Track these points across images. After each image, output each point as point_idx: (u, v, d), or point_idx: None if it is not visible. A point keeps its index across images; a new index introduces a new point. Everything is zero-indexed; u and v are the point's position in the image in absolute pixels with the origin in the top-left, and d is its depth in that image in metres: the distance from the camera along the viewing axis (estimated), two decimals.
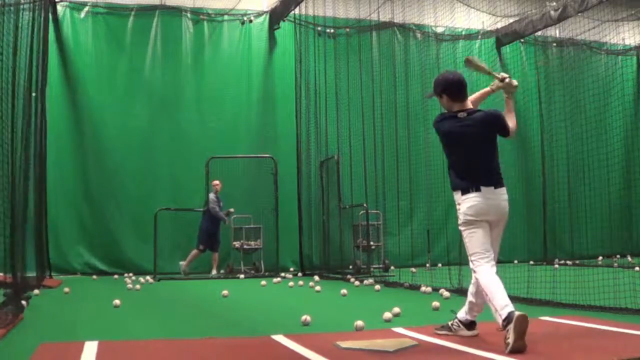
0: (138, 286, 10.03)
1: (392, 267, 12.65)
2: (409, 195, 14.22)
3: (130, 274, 12.56)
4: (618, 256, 14.99)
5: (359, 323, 5.25)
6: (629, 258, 14.93)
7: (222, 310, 7.33)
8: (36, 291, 8.78)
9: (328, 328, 5.42)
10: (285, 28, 14.64)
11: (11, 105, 7.17)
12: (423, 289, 8.62)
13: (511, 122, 4.72)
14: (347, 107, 13.98)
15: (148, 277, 11.70)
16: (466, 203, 4.52)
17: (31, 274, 10.21)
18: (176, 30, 14.22)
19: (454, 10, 14.33)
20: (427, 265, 13.65)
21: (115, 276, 12.70)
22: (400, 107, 14.54)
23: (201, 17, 14.34)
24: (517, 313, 4.05)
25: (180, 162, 13.71)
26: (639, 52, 17.19)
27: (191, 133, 13.91)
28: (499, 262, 4.77)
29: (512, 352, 3.97)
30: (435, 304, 6.62)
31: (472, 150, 4.58)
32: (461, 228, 4.60)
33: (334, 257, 13.13)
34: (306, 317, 5.64)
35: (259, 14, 14.73)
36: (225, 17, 14.51)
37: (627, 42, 16.29)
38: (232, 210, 13.13)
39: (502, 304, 4.18)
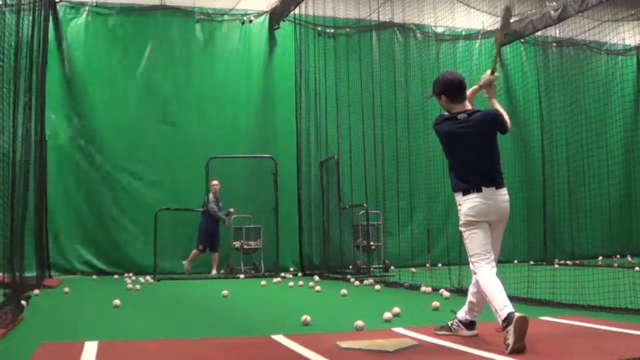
0: (138, 286, 10.02)
1: (392, 267, 12.65)
2: (409, 195, 14.22)
3: (130, 274, 12.56)
4: (618, 256, 14.98)
5: (359, 323, 5.25)
6: (629, 258, 14.93)
7: (222, 310, 7.32)
8: (36, 291, 8.78)
9: (328, 328, 5.42)
10: (285, 28, 14.64)
11: (13, 105, 7.17)
12: (423, 289, 8.62)
13: (505, 116, 4.71)
14: (347, 107, 13.99)
15: (148, 277, 11.70)
16: (467, 204, 4.52)
17: (31, 274, 10.22)
18: (176, 30, 14.22)
19: (454, 10, 14.32)
20: (427, 265, 13.65)
21: (115, 276, 12.70)
22: (400, 107, 14.54)
23: (201, 17, 14.34)
24: (517, 314, 4.05)
25: (180, 162, 13.71)
26: (639, 52, 17.20)
27: (191, 133, 13.90)
28: (499, 262, 4.77)
29: (512, 352, 3.98)
30: (435, 304, 6.62)
31: (473, 151, 4.57)
32: (462, 229, 4.60)
33: (334, 257, 13.13)
34: (306, 317, 5.64)
35: (259, 14, 14.73)
36: (225, 17, 14.51)
37: (627, 42, 16.29)
38: (232, 210, 13.13)
39: (501, 305, 4.18)
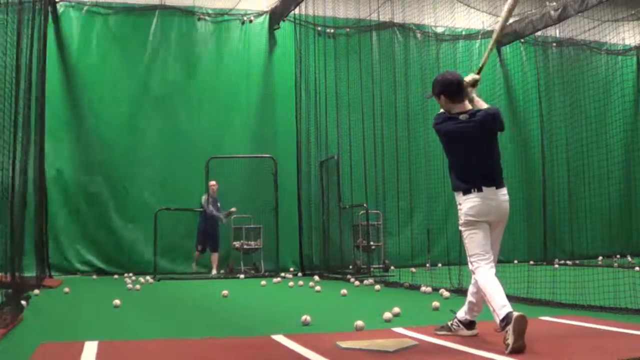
0: (138, 286, 10.02)
1: (392, 267, 12.65)
2: (409, 195, 14.22)
3: (130, 274, 12.55)
4: (618, 256, 14.97)
5: (359, 323, 5.25)
6: (629, 258, 14.93)
7: (222, 310, 7.32)
8: (36, 291, 8.78)
9: (328, 328, 5.42)
10: (285, 28, 14.64)
11: (14, 105, 7.17)
12: (423, 289, 8.62)
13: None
14: (347, 107, 13.98)
15: (148, 277, 11.70)
16: (467, 203, 4.52)
17: (31, 274, 10.22)
18: (176, 30, 14.21)
19: (454, 10, 14.32)
20: (427, 265, 13.65)
21: (115, 276, 12.70)
22: (400, 107, 14.54)
23: (201, 17, 14.33)
24: (515, 313, 4.05)
25: (180, 162, 13.70)
26: (639, 52, 17.20)
27: (191, 133, 13.90)
28: (499, 262, 4.77)
29: (513, 352, 3.98)
30: (435, 304, 6.62)
31: (474, 151, 4.57)
32: (462, 228, 4.60)
33: (334, 257, 13.13)
34: (306, 317, 5.64)
35: (259, 14, 14.72)
36: (225, 17, 14.51)
37: (627, 42, 16.29)
38: (233, 209, 13.13)
39: (500, 305, 4.18)
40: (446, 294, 7.73)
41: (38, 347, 4.54)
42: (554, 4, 14.34)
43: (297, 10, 14.23)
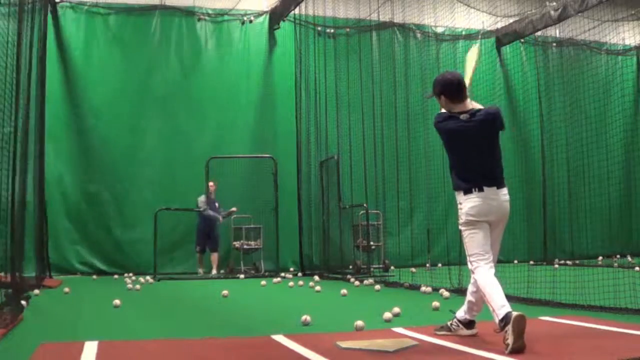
0: (138, 286, 10.02)
1: (392, 267, 12.65)
2: (409, 195, 14.22)
3: (130, 274, 12.56)
4: (618, 256, 14.97)
5: (359, 323, 5.25)
6: (629, 258, 14.93)
7: (222, 310, 7.32)
8: (36, 291, 8.78)
9: (328, 328, 5.42)
10: (285, 28, 14.64)
11: (15, 105, 7.17)
12: (423, 289, 8.62)
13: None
14: (347, 107, 13.99)
15: (148, 277, 11.70)
16: (468, 203, 4.51)
17: (31, 274, 10.22)
18: (176, 30, 14.21)
19: (454, 10, 14.32)
20: (427, 265, 13.64)
21: (115, 276, 12.70)
22: (400, 107, 14.54)
23: (201, 17, 14.33)
24: (514, 313, 4.04)
25: (180, 162, 13.71)
26: (639, 52, 17.19)
27: (191, 133, 13.90)
28: (499, 262, 4.76)
29: (512, 352, 3.97)
30: (435, 304, 6.62)
31: (475, 150, 4.57)
32: (462, 228, 4.59)
33: (334, 257, 13.13)
34: (306, 317, 5.64)
35: (259, 14, 14.72)
36: (225, 17, 14.51)
37: (627, 42, 16.29)
38: (234, 209, 13.12)
39: (499, 305, 4.18)
40: (446, 294, 7.72)
41: (38, 347, 4.54)
42: (554, 4, 14.34)
43: (297, 10, 14.23)
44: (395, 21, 14.93)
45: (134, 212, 13.43)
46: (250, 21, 14.61)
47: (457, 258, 8.20)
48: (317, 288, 9.43)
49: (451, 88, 4.64)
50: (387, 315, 5.76)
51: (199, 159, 13.08)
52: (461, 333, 4.76)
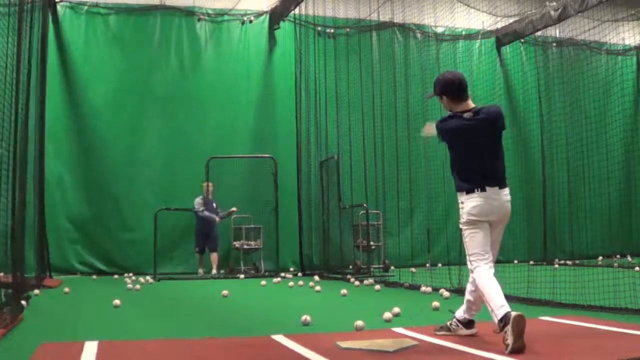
0: (138, 286, 10.02)
1: (392, 267, 12.65)
2: (409, 195, 14.22)
3: (130, 274, 12.56)
4: (618, 256, 14.97)
5: (359, 323, 5.25)
6: (629, 258, 14.93)
7: (222, 310, 7.32)
8: (36, 291, 8.78)
9: (328, 328, 5.42)
10: (285, 28, 14.64)
11: (14, 106, 7.17)
12: (423, 289, 8.62)
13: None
14: (347, 107, 13.99)
15: (148, 277, 11.70)
16: (471, 203, 4.51)
17: (31, 274, 10.21)
18: (176, 30, 14.21)
19: (454, 10, 14.32)
20: (427, 265, 13.64)
21: (115, 276, 12.70)
22: (400, 107, 14.54)
23: (201, 17, 14.33)
24: (513, 313, 4.04)
25: (180, 162, 13.71)
26: (639, 52, 17.19)
27: (191, 133, 13.90)
28: (499, 262, 4.77)
29: (512, 352, 3.97)
30: (435, 304, 6.62)
31: (477, 149, 4.56)
32: (463, 227, 4.59)
33: (334, 257, 13.13)
34: (306, 317, 5.64)
35: (259, 14, 14.72)
36: (225, 17, 14.51)
37: (627, 42, 16.29)
38: (234, 209, 13.12)
39: (498, 305, 4.18)
40: (446, 294, 7.72)
41: (38, 347, 4.54)
42: (554, 4, 14.34)
43: (297, 10, 14.23)
44: (395, 21, 14.92)
45: (134, 212, 13.43)
46: (250, 21, 14.61)
47: (457, 258, 8.21)
48: (317, 288, 9.43)
49: (452, 88, 4.63)
50: (387, 315, 5.76)
51: (199, 159, 13.08)
52: (461, 333, 4.76)
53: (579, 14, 13.97)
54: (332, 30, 14.82)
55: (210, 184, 12.95)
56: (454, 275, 8.55)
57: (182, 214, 13.09)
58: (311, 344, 4.51)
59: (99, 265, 13.28)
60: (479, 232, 4.51)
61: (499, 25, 15.79)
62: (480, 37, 15.79)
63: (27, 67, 8.50)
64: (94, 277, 12.65)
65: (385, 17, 14.61)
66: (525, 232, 15.14)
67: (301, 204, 14.13)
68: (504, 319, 4.07)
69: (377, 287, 9.42)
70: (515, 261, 13.71)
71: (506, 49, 16.17)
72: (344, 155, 13.44)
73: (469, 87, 4.79)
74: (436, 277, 9.59)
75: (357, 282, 10.31)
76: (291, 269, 13.67)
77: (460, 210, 4.59)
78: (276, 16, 14.57)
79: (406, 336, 4.81)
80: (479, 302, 4.64)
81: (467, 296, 4.73)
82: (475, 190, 4.50)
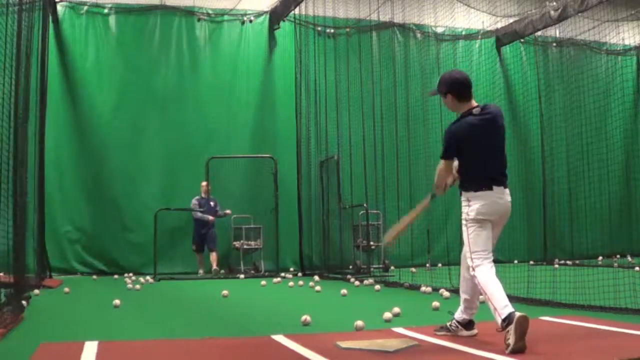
0: (138, 286, 10.03)
1: (392, 267, 12.65)
2: (409, 195, 14.20)
3: (130, 274, 12.56)
4: (618, 256, 14.97)
5: (359, 323, 5.25)
6: (629, 258, 14.93)
7: (222, 310, 7.33)
8: (36, 291, 8.78)
9: (328, 328, 5.42)
10: (285, 28, 14.64)
11: (14, 106, 7.16)
12: (423, 289, 8.62)
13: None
14: (347, 107, 13.98)
15: (148, 277, 11.70)
16: (480, 201, 4.50)
17: (31, 274, 10.21)
18: (176, 30, 14.21)
19: (454, 10, 14.32)
20: (427, 265, 13.65)
21: (115, 276, 12.70)
22: (400, 107, 14.54)
23: (201, 17, 14.33)
24: (518, 314, 4.04)
25: (180, 162, 13.71)
26: (639, 52, 17.19)
27: (191, 133, 13.90)
28: (498, 262, 4.76)
29: (513, 352, 3.97)
30: (435, 304, 6.62)
31: (488, 149, 4.57)
32: (468, 224, 4.55)
33: (334, 257, 13.13)
34: (306, 317, 5.64)
35: (259, 14, 14.72)
36: (225, 17, 14.51)
37: (627, 42, 16.27)
38: (228, 212, 13.11)
39: (502, 304, 4.17)
40: (446, 294, 7.73)
41: (38, 347, 4.54)
42: (554, 4, 14.33)
43: (297, 10, 14.22)
44: (395, 21, 14.92)
45: (134, 212, 13.43)
46: (250, 21, 14.61)
47: (457, 258, 8.13)
48: (317, 288, 9.43)
49: (460, 87, 4.64)
50: (387, 315, 5.76)
51: (199, 159, 13.08)
52: (461, 334, 4.74)
53: (579, 14, 13.96)
54: (332, 30, 14.82)
55: (205, 183, 12.95)
56: (454, 275, 8.50)
57: (182, 214, 13.10)
58: (311, 344, 4.51)
59: (99, 265, 13.28)
60: (484, 230, 4.52)
61: (499, 25, 15.79)
62: (480, 37, 15.79)
63: (27, 67, 8.49)
64: (94, 277, 12.65)
65: (385, 17, 14.60)
66: (525, 232, 15.13)
67: (301, 204, 14.13)
68: (508, 319, 4.06)
69: (377, 287, 9.42)
70: (515, 261, 13.70)
71: (506, 49, 16.17)
72: (344, 155, 13.44)
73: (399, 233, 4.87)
74: (436, 277, 9.59)
75: (357, 282, 10.31)
76: (291, 269, 13.67)
77: (466, 207, 4.57)
78: (276, 16, 14.57)
79: (406, 336, 4.81)
80: (475, 299, 4.65)
81: (463, 296, 4.73)
82: (484, 188, 4.51)
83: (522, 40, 16.07)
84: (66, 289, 9.31)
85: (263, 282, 10.76)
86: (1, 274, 7.65)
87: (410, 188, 14.09)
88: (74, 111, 13.51)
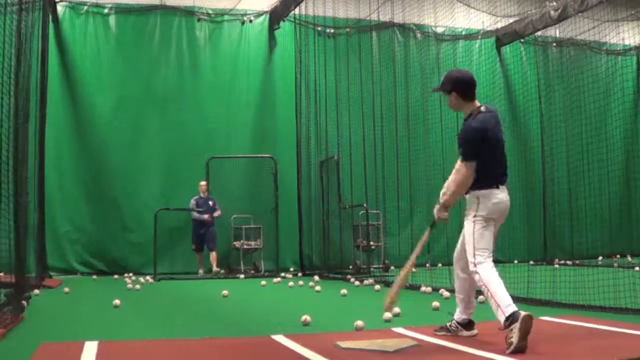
0: (138, 286, 10.03)
1: (392, 267, 12.64)
2: (409, 195, 14.22)
3: (130, 274, 12.56)
4: (618, 256, 14.98)
5: (359, 323, 5.25)
6: (629, 258, 14.93)
7: (222, 310, 7.33)
8: (36, 291, 8.78)
9: (328, 328, 5.42)
10: (285, 28, 14.64)
11: (14, 106, 7.16)
12: (423, 289, 8.62)
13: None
14: (347, 107, 13.98)
15: (148, 277, 11.70)
16: (490, 199, 4.48)
17: (31, 274, 10.20)
18: (176, 30, 14.21)
19: (454, 10, 14.32)
20: (427, 265, 13.64)
21: (115, 276, 12.69)
22: (400, 107, 14.54)
23: (201, 17, 14.33)
24: (523, 313, 4.03)
25: (181, 162, 13.71)
26: (639, 52, 17.19)
27: (191, 133, 13.90)
28: (498, 261, 4.76)
29: (514, 352, 3.96)
30: (435, 304, 6.63)
31: (496, 147, 4.59)
32: (476, 221, 4.52)
33: (334, 257, 13.13)
34: (306, 317, 5.64)
35: (259, 14, 14.72)
36: (225, 17, 14.51)
37: (627, 42, 16.27)
38: (216, 214, 13.04)
39: (505, 302, 4.16)
40: (446, 294, 7.72)
41: (38, 347, 4.54)
42: (554, 4, 14.33)
43: (297, 10, 14.23)
44: (395, 21, 14.92)
45: (134, 212, 13.43)
46: (250, 21, 14.61)
47: None
48: (317, 288, 9.44)
49: (465, 85, 4.63)
50: (387, 315, 5.76)
51: (199, 159, 13.08)
52: (461, 334, 4.74)
53: (579, 14, 13.96)
54: (332, 30, 14.82)
55: (204, 183, 12.95)
56: (454, 275, 8.54)
57: (182, 214, 13.10)
58: (311, 344, 4.51)
59: (99, 265, 13.28)
60: (489, 228, 4.52)
61: (499, 25, 15.79)
62: (480, 37, 15.79)
63: (27, 67, 8.49)
64: (94, 277, 12.65)
65: (385, 17, 14.60)
66: (525, 232, 15.14)
67: (301, 204, 14.13)
68: (512, 317, 4.05)
69: (377, 287, 9.42)
70: (515, 261, 13.70)
71: (506, 49, 16.17)
72: (344, 155, 13.44)
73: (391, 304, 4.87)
74: (436, 277, 9.58)
75: (357, 282, 10.31)
76: (291, 269, 13.67)
77: (475, 204, 4.53)
78: (276, 16, 14.57)
79: (406, 336, 4.81)
80: (472, 297, 4.67)
81: (459, 295, 4.73)
82: (494, 186, 4.51)
83: (522, 40, 16.07)
84: (66, 289, 9.31)
85: (263, 282, 10.76)
86: (1, 274, 7.65)
87: (410, 188, 14.11)
88: (74, 111, 13.51)
